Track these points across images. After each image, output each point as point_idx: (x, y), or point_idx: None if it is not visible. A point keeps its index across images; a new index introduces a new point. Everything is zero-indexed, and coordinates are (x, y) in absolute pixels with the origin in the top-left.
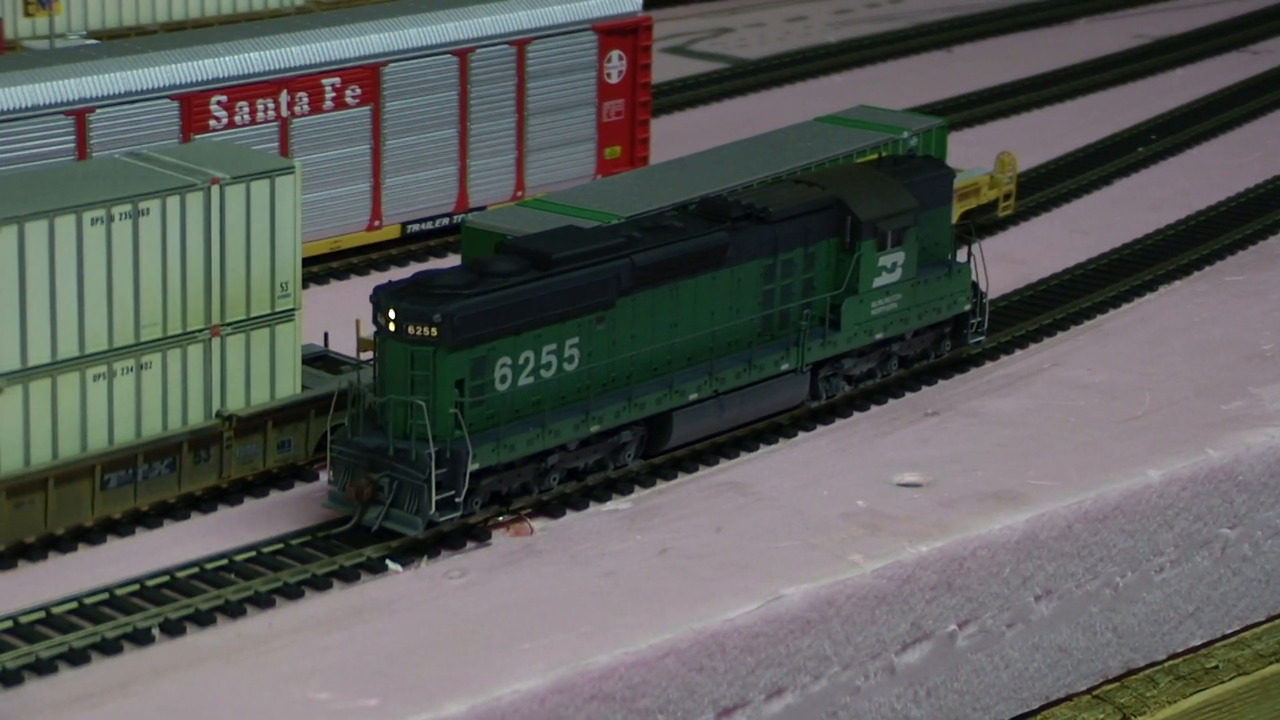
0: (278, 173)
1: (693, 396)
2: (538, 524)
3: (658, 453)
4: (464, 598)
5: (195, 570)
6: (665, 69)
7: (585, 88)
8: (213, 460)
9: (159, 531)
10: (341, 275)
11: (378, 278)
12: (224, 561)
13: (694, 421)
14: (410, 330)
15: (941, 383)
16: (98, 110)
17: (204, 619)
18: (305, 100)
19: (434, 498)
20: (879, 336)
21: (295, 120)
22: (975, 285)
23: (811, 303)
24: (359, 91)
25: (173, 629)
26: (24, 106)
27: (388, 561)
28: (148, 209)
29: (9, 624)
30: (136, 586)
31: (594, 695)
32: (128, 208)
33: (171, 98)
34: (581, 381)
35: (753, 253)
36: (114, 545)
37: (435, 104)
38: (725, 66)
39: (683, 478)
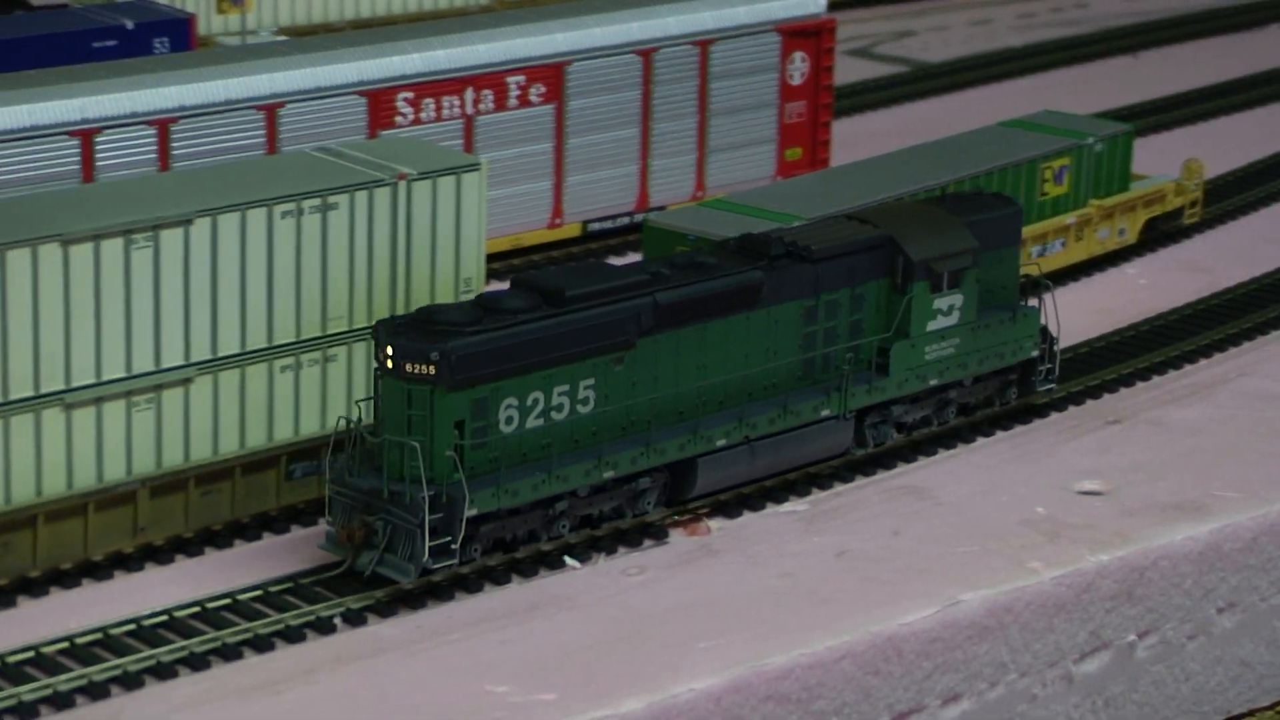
0: (464, 169)
1: (720, 442)
2: (715, 524)
3: (682, 501)
4: (641, 595)
5: None
6: (848, 71)
7: (768, 89)
8: None
9: None
10: (522, 272)
11: None
12: None
13: (722, 469)
14: (408, 368)
15: (1124, 390)
16: (288, 105)
17: (385, 610)
18: (490, 98)
19: (427, 544)
20: (933, 382)
21: (480, 117)
22: (1045, 330)
23: (858, 346)
24: (543, 90)
25: (354, 619)
26: (217, 101)
27: (566, 558)
28: (337, 203)
29: (197, 608)
30: (316, 577)
31: (769, 696)
32: (317, 202)
33: (359, 94)
34: (597, 425)
35: (792, 293)
36: (296, 534)
37: (618, 103)
38: (908, 69)
39: (860, 480)
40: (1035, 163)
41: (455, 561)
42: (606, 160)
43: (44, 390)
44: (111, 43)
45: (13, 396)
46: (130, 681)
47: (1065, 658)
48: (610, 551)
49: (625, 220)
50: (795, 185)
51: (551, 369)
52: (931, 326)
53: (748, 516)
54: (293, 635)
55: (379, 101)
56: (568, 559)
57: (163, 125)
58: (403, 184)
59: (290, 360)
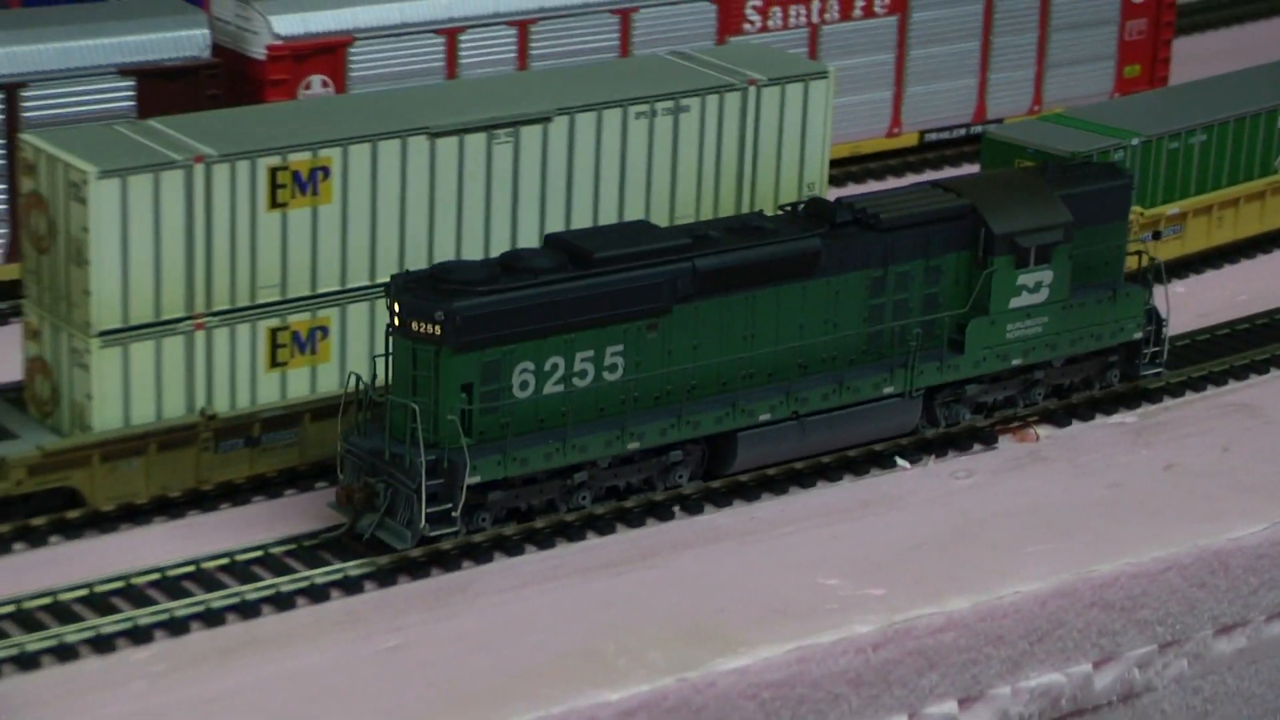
0: (812, 77)
1: (764, 417)
2: (1043, 431)
3: (720, 476)
4: (970, 498)
5: None
6: None
7: (1109, 5)
8: None
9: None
10: (859, 179)
11: (893, 183)
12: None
13: (766, 445)
14: (414, 327)
15: None
16: (641, 10)
17: (720, 500)
18: (836, 7)
19: (424, 510)
20: (1015, 362)
21: (825, 27)
22: (1154, 312)
23: (932, 322)
24: (887, 2)
25: (692, 508)
26: (575, 5)
27: (896, 459)
28: (688, 106)
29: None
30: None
31: (1094, 602)
32: (670, 104)
33: (710, 0)
34: (626, 394)
35: (857, 263)
36: None
37: (961, 16)
38: None
39: (1190, 395)
40: None
41: (456, 529)
42: (946, 72)
43: None
44: None
45: (378, 280)
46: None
47: None
48: (940, 454)
49: (962, 132)
50: (1133, 102)
51: (574, 333)
52: (1015, 304)
53: (1076, 426)
54: (633, 520)
55: (729, 8)
56: (899, 460)
57: (522, 26)
58: (753, 90)
59: None
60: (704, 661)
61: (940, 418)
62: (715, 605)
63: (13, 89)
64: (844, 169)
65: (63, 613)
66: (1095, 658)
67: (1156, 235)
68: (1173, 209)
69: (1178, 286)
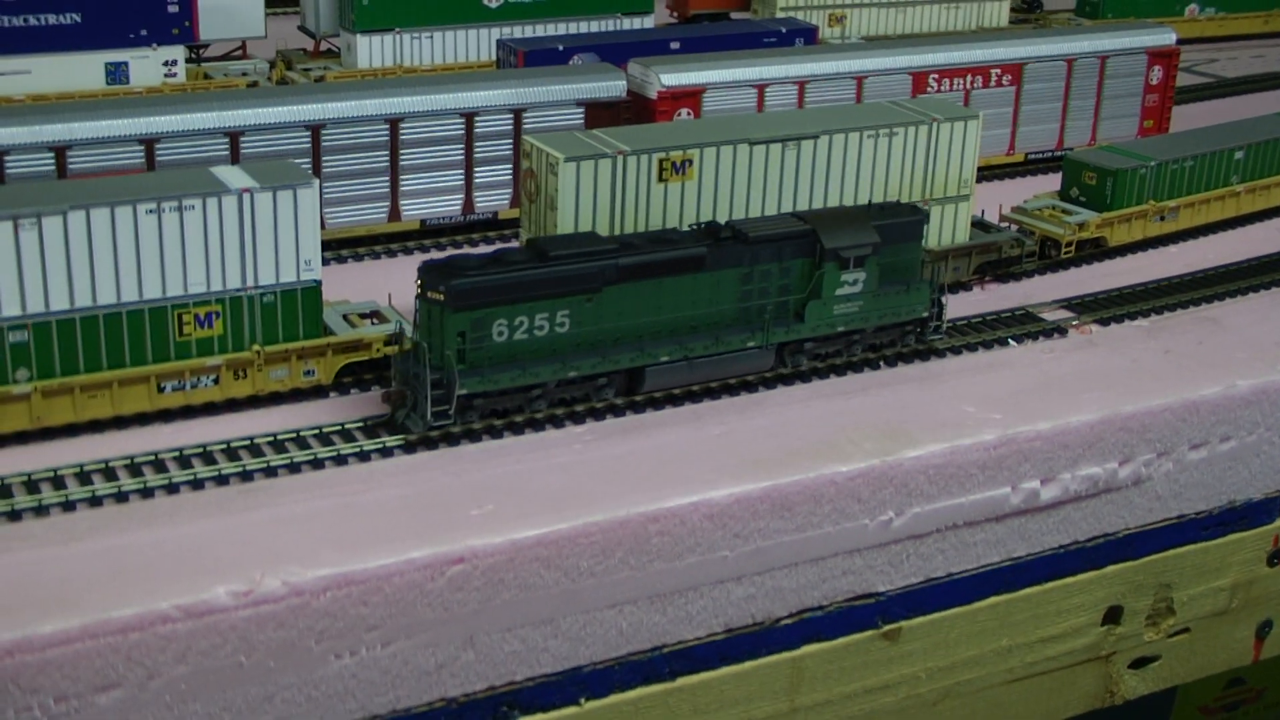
0: (969, 118)
1: (664, 359)
2: (1094, 328)
3: (634, 394)
4: (1051, 365)
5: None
6: (1180, 78)
7: (1136, 84)
8: None
9: None
10: (989, 180)
11: (1008, 183)
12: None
13: (665, 376)
14: (429, 294)
15: None
16: (869, 78)
17: (907, 358)
18: (980, 80)
19: (429, 409)
20: (840, 329)
21: (974, 90)
22: (936, 300)
23: (784, 302)
24: (1009, 78)
25: (891, 362)
26: (828, 72)
27: (1009, 339)
28: (898, 132)
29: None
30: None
31: (1121, 428)
32: (886, 131)
33: (908, 73)
34: (572, 342)
35: (731, 263)
36: None
37: (1051, 88)
38: (1214, 80)
39: (1180, 312)
40: None
41: (451, 422)
42: (1041, 118)
43: None
44: (772, 40)
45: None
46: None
47: None
48: (1033, 338)
49: (1049, 153)
50: (1149, 142)
51: (535, 302)
52: (839, 293)
53: (1113, 326)
54: (858, 367)
55: (919, 79)
56: (1010, 340)
57: (801, 85)
58: (935, 124)
59: None
60: (895, 451)
61: (788, 362)
62: (902, 419)
63: (519, 112)
64: (982, 173)
65: None
66: (1119, 459)
67: (1162, 218)
68: (1172, 204)
69: (1172, 249)
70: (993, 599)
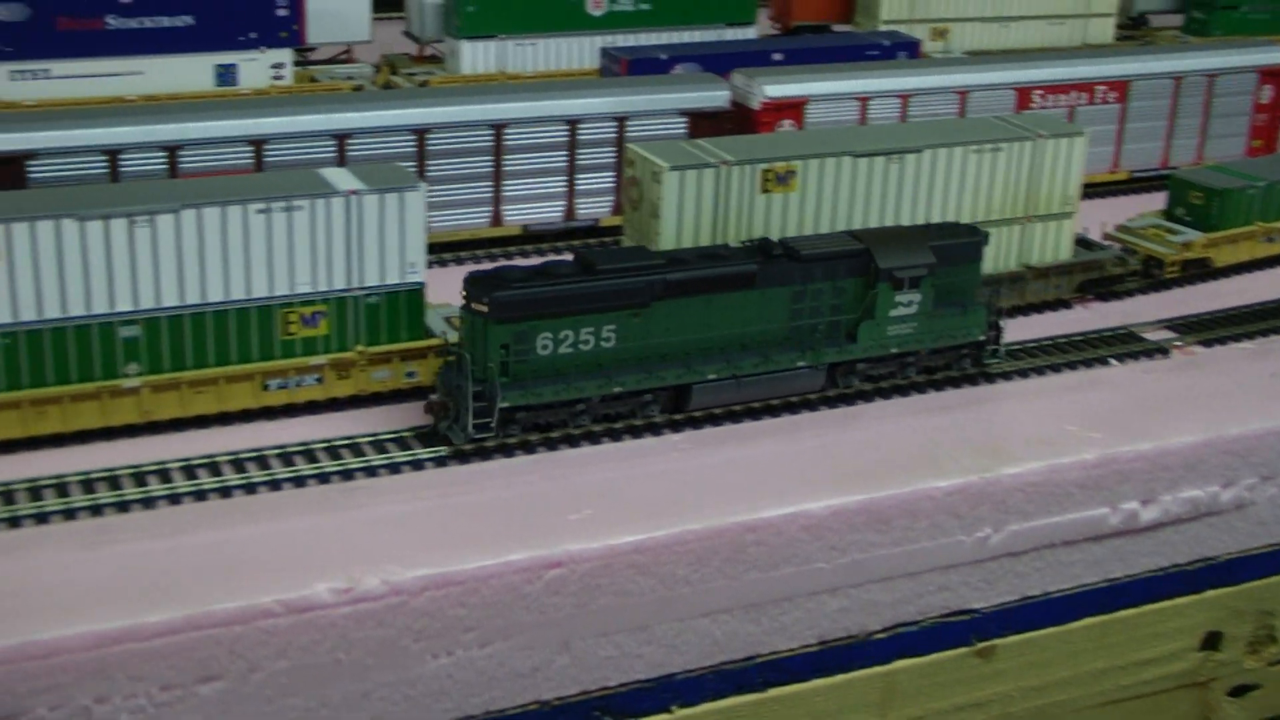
0: (1074, 135)
1: (711, 376)
2: (1198, 349)
3: (681, 412)
4: (1154, 384)
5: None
6: None
7: (1244, 103)
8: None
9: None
10: (1090, 197)
11: (1111, 200)
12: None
13: (711, 394)
14: (473, 306)
15: None
16: (973, 93)
17: (1010, 373)
18: (1084, 96)
19: (470, 421)
20: (893, 350)
21: (1079, 107)
22: (995, 323)
23: (837, 321)
24: (1114, 95)
25: (994, 378)
26: (930, 87)
27: (1111, 359)
28: (1001, 147)
29: None
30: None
31: (1224, 450)
32: (991, 147)
33: (1012, 88)
34: (618, 357)
35: (783, 280)
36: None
37: (1157, 106)
38: None
39: None
40: None
41: (492, 434)
42: (1146, 136)
43: None
44: (875, 53)
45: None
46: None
47: None
48: (1135, 358)
49: (1154, 172)
50: (1257, 161)
51: (580, 316)
52: (893, 314)
53: (1217, 348)
54: (957, 382)
55: (1024, 94)
56: (1112, 359)
57: (904, 98)
58: (1040, 140)
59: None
60: (993, 467)
61: (840, 383)
62: (1001, 435)
63: (623, 120)
64: (1086, 191)
65: None
66: (1221, 482)
67: (1270, 239)
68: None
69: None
70: (1088, 620)
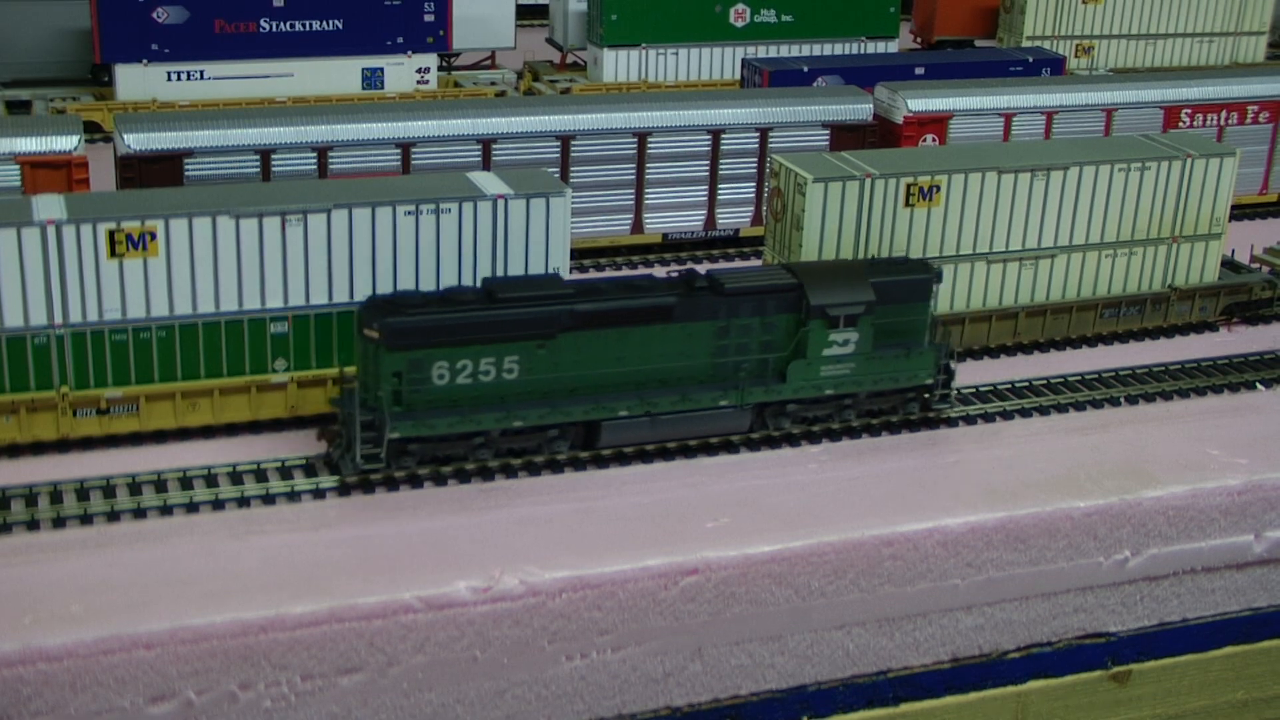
0: (1225, 155)
1: (623, 413)
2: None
3: (590, 449)
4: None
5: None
6: None
7: None
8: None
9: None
10: (1238, 219)
11: (1259, 222)
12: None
13: (624, 431)
14: (366, 331)
15: None
16: (1119, 110)
17: (1151, 396)
18: (1236, 116)
19: (358, 452)
20: (827, 392)
21: (1228, 127)
22: (946, 365)
23: (766, 359)
24: (1267, 115)
25: (1134, 399)
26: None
27: (1258, 384)
28: (1150, 166)
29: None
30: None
31: None
32: (1139, 165)
33: (1160, 107)
34: (521, 389)
35: (705, 315)
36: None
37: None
38: None
39: None
40: None
41: (382, 466)
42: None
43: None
44: (1019, 69)
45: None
46: None
47: None
48: (1250, 387)
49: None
50: None
51: (480, 345)
52: (827, 353)
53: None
54: (1102, 401)
55: (1171, 113)
56: (1258, 384)
57: (1049, 115)
58: (1190, 160)
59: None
60: (1134, 490)
61: (769, 424)
62: (1143, 458)
63: (765, 131)
64: (1234, 212)
65: None
66: None
67: None
68: None
69: None
70: (1229, 649)
